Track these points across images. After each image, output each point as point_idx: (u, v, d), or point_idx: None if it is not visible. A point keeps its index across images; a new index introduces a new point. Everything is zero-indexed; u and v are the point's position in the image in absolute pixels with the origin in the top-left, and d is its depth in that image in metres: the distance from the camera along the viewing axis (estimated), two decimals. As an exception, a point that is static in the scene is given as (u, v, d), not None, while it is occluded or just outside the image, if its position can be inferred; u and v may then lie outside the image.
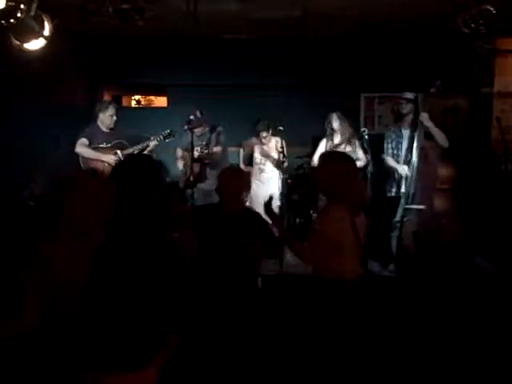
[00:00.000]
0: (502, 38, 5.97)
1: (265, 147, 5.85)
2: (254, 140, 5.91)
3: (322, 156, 3.09)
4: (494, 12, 3.93)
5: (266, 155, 5.85)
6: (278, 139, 5.76)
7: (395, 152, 5.17)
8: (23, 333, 1.18)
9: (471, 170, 5.35)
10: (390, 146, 5.21)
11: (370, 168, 5.10)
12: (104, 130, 5.22)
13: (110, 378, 1.04)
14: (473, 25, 4.02)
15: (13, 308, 1.08)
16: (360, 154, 5.37)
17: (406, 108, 5.12)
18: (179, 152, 5.89)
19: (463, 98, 6.54)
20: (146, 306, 1.05)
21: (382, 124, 7.00)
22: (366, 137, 5.22)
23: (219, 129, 5.78)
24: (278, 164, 5.66)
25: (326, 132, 5.66)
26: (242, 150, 6.08)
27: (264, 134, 5.72)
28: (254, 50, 6.80)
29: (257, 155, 5.90)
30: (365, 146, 5.25)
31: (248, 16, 5.53)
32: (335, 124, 5.51)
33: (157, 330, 1.05)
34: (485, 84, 6.25)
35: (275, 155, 5.74)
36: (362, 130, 5.34)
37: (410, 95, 5.10)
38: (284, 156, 5.44)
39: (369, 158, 5.15)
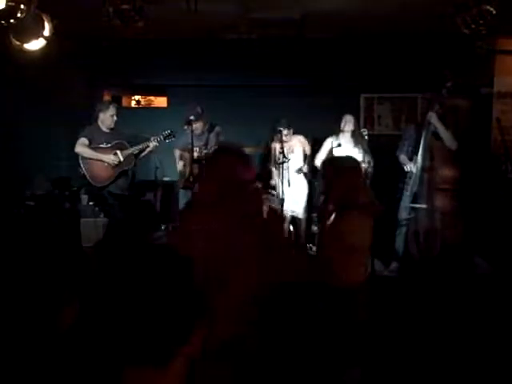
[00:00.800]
0: (502, 38, 5.97)
1: (286, 145, 5.65)
2: (275, 144, 5.78)
3: (335, 164, 3.01)
4: (495, 12, 3.93)
5: (289, 152, 5.67)
6: (301, 138, 5.73)
7: (410, 150, 5.14)
8: None
9: (471, 170, 5.35)
10: (406, 143, 5.18)
11: (370, 169, 5.10)
12: (104, 129, 5.20)
13: (137, 373, 1.06)
14: (473, 25, 4.02)
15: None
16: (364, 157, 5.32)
17: (424, 108, 5.11)
18: (177, 153, 5.89)
19: (463, 98, 6.53)
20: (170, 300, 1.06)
21: (381, 124, 7.00)
22: (366, 137, 5.23)
23: (217, 129, 5.77)
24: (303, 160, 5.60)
25: (330, 131, 5.60)
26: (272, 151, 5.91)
27: (285, 131, 5.58)
28: (254, 49, 6.80)
29: (277, 154, 5.72)
30: (365, 146, 5.24)
31: (248, 16, 5.53)
32: (349, 126, 5.48)
33: (182, 322, 1.07)
34: (485, 84, 6.25)
35: (299, 152, 5.69)
36: (362, 130, 5.35)
37: (429, 95, 5.08)
38: (284, 156, 5.40)
39: (368, 158, 5.15)
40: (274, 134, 5.70)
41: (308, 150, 5.80)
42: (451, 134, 4.90)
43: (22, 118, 6.25)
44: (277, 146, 5.72)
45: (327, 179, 2.91)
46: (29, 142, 6.24)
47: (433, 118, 4.86)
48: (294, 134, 5.64)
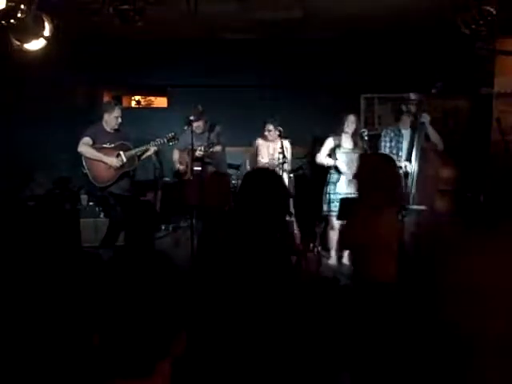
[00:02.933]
0: (502, 38, 5.96)
1: (271, 146, 5.64)
2: (259, 141, 5.75)
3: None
4: (495, 13, 3.93)
5: (271, 156, 5.66)
6: (285, 141, 5.61)
7: (394, 151, 5.13)
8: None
9: (471, 170, 5.35)
10: (388, 144, 5.18)
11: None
12: (108, 130, 5.19)
13: None
14: (473, 26, 4.02)
15: None
16: None
17: (410, 109, 5.09)
18: (176, 155, 5.87)
19: (463, 98, 6.53)
20: (152, 311, 1.06)
21: (382, 124, 7.00)
22: (366, 137, 5.21)
23: (218, 129, 5.76)
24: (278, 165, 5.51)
25: (330, 131, 5.51)
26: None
27: (270, 126, 5.54)
28: (253, 50, 6.80)
29: (261, 157, 5.73)
30: (365, 146, 5.23)
31: (248, 16, 5.53)
32: (352, 127, 5.33)
33: (165, 331, 1.07)
34: (485, 85, 6.25)
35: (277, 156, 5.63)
36: (362, 130, 5.31)
37: (415, 96, 5.08)
38: (284, 156, 5.38)
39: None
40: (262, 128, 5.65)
41: (288, 155, 5.60)
42: (438, 135, 4.96)
43: (22, 118, 6.25)
44: (260, 141, 5.72)
45: (363, 177, 2.89)
46: (29, 141, 6.24)
47: (426, 118, 4.89)
48: (281, 136, 5.52)
